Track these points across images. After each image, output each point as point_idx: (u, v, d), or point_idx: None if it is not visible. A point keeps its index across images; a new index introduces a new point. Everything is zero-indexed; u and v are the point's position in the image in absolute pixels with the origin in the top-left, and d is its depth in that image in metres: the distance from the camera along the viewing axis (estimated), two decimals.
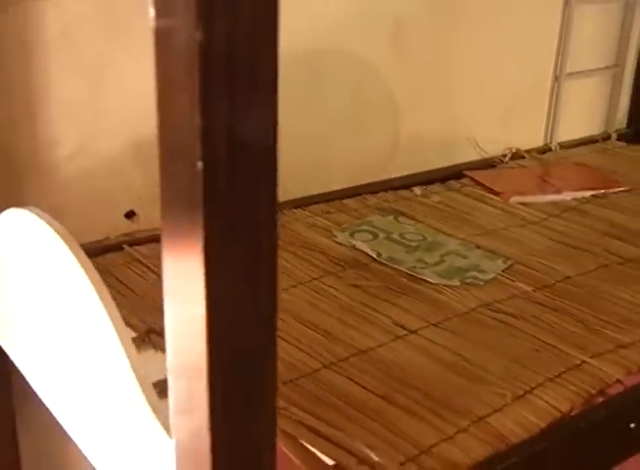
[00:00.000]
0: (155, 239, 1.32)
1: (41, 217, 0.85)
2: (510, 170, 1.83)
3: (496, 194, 1.66)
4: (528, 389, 0.96)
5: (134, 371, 0.73)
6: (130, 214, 1.33)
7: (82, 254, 0.81)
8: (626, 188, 1.75)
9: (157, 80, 0.47)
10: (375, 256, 1.32)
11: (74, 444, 0.87)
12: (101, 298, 0.77)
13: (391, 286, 1.23)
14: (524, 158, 1.91)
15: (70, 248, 0.82)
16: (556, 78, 1.95)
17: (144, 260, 1.25)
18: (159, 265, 1.24)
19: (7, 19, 1.09)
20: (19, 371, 0.97)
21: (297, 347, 1.04)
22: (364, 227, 1.43)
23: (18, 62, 1.12)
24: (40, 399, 0.93)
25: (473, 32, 1.72)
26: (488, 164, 1.84)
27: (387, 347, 1.05)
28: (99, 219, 1.28)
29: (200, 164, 0.46)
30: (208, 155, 0.46)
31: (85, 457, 0.85)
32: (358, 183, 1.62)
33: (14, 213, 0.92)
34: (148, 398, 0.72)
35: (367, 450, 0.82)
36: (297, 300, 1.17)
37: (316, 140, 1.53)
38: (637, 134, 2.15)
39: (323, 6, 1.46)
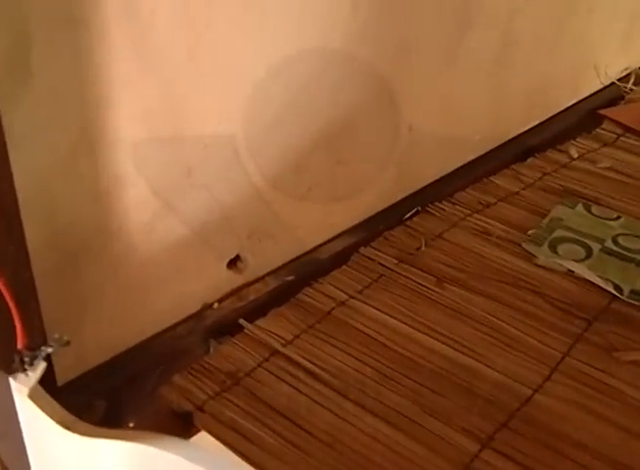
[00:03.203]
0: (275, 297, 0.82)
1: None
2: None
3: None
4: None
5: None
6: (234, 261, 0.80)
7: None
8: None
9: None
10: (614, 291, 0.87)
11: None
12: None
13: None
14: None
15: None
16: None
17: (285, 351, 0.75)
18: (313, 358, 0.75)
19: None
20: None
21: None
22: (560, 233, 0.96)
23: (63, 47, 0.54)
24: None
25: None
26: (615, 93, 1.39)
27: None
28: (191, 278, 0.76)
29: None
30: None
31: None
32: (495, 145, 1.14)
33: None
34: None
35: None
36: (579, 414, 0.70)
37: (453, 93, 1.02)
38: None
39: None
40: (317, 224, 0.88)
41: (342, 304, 0.81)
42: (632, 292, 0.87)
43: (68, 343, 0.49)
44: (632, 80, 1.43)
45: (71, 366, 0.66)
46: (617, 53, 1.41)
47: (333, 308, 0.81)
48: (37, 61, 0.51)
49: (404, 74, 0.90)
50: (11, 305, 0.45)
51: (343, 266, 0.87)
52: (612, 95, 1.38)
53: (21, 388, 0.50)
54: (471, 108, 1.06)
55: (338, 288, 0.84)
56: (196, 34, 0.63)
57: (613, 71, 1.41)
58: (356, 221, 0.93)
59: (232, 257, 0.79)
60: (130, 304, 0.70)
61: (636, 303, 0.85)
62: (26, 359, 0.47)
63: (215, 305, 0.78)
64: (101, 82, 0.57)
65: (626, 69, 1.45)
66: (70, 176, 0.59)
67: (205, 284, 0.77)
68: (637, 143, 1.22)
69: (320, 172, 0.85)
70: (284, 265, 0.85)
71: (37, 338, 0.48)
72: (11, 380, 0.52)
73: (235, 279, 0.80)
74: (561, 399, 0.72)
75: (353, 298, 0.82)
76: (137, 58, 0.59)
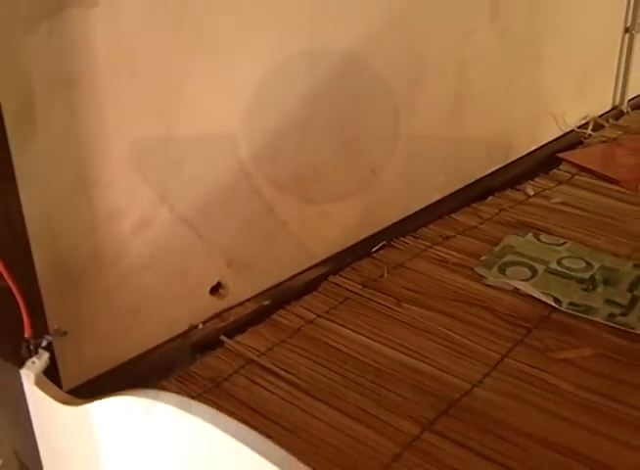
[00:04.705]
0: (253, 318, 0.94)
1: None
2: (605, 147, 1.51)
3: (616, 183, 1.34)
4: None
5: None
6: (216, 288, 0.93)
7: None
8: None
9: None
10: (554, 303, 0.98)
11: None
12: None
13: (605, 352, 0.90)
14: (603, 127, 1.61)
15: None
16: (626, 30, 1.63)
17: (259, 360, 0.87)
18: (283, 365, 0.87)
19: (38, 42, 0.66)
20: None
21: None
22: (510, 258, 1.09)
23: (60, 104, 0.69)
24: None
25: None
26: (574, 139, 1.53)
27: None
28: (178, 303, 0.89)
29: None
30: None
31: None
32: (457, 187, 1.27)
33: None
34: None
35: None
36: (513, 403, 0.81)
37: (413, 142, 1.16)
38: None
39: None
40: (291, 257, 1.01)
41: (311, 322, 0.94)
42: (571, 303, 0.98)
43: (65, 333, 0.62)
44: (591, 127, 1.57)
45: (74, 376, 0.78)
46: (573, 102, 1.55)
47: (302, 326, 0.93)
48: (41, 116, 0.66)
49: (363, 124, 1.04)
50: (20, 301, 0.58)
51: (314, 292, 1.00)
52: (570, 141, 1.51)
53: (28, 374, 0.63)
54: (432, 154, 1.20)
55: (307, 309, 0.96)
56: (175, 86, 0.78)
57: (572, 120, 1.55)
58: (327, 255, 1.06)
59: (214, 283, 0.92)
60: (124, 324, 0.83)
61: (574, 312, 0.97)
62: (32, 347, 0.60)
63: (200, 325, 0.91)
64: (93, 131, 0.71)
65: (586, 116, 1.59)
66: (69, 212, 0.73)
67: (190, 308, 0.90)
68: (590, 180, 1.35)
69: (291, 211, 0.98)
70: (261, 292, 0.97)
71: (40, 329, 0.61)
72: (21, 372, 0.64)
73: (217, 304, 0.93)
74: (497, 392, 0.83)
75: (321, 317, 0.95)
76: (122, 108, 0.74)
